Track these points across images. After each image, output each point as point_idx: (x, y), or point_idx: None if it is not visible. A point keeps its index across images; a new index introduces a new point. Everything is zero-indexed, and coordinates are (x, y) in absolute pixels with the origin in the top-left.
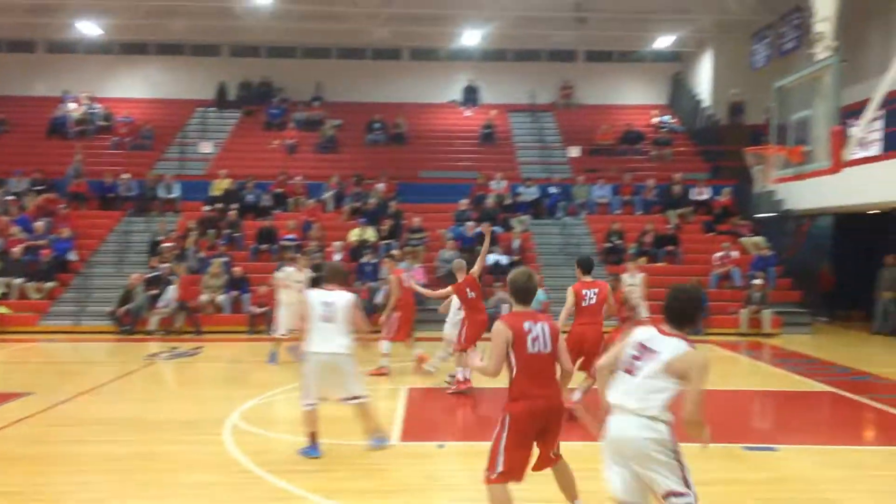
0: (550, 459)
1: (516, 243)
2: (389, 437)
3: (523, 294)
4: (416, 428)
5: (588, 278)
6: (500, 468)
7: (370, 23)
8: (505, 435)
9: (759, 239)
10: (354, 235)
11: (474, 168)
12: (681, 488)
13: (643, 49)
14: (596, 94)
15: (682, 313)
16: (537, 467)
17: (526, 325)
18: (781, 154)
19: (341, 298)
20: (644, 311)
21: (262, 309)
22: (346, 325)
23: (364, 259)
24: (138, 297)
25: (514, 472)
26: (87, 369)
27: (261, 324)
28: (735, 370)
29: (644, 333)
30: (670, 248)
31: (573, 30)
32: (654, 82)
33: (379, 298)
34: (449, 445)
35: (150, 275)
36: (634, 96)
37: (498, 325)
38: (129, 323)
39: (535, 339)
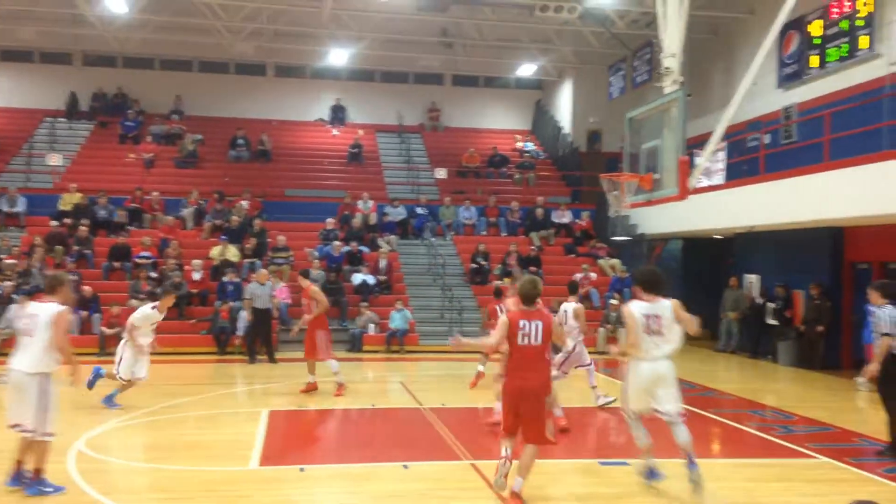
0: (525, 436)
1: (383, 263)
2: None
3: (526, 297)
4: (277, 452)
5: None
6: (502, 426)
7: (233, 37)
8: (500, 403)
9: (615, 261)
10: (215, 254)
11: (341, 187)
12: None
13: (507, 76)
14: (462, 118)
15: (658, 283)
16: (522, 439)
17: (521, 322)
18: (634, 181)
19: (45, 311)
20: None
21: (114, 330)
22: (44, 341)
23: (226, 278)
24: None
25: (508, 430)
26: None
27: (112, 345)
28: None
29: (644, 307)
30: (533, 268)
31: (440, 54)
32: (518, 108)
33: (240, 319)
34: (310, 469)
35: None
36: (499, 121)
37: (503, 317)
38: None
39: (525, 335)
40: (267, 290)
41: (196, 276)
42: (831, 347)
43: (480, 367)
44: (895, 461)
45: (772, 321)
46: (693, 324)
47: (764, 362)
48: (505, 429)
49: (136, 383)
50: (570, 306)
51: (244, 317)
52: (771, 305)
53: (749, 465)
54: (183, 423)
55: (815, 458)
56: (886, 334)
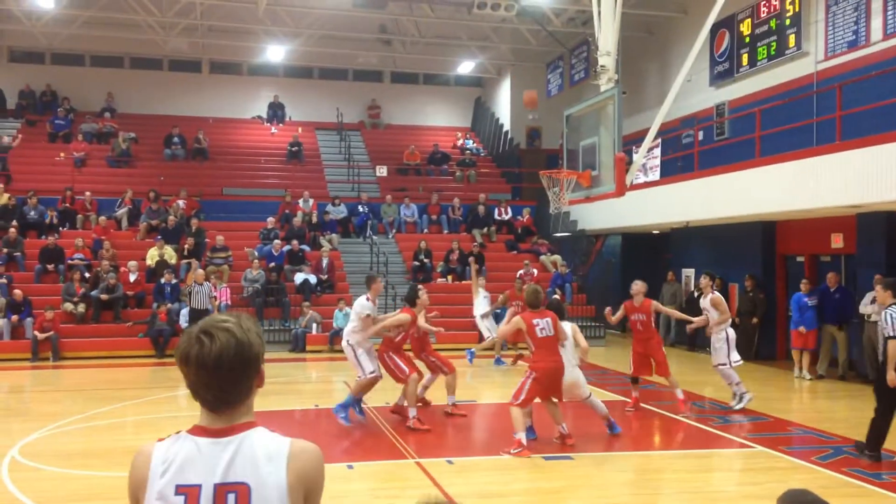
0: (550, 400)
1: (325, 262)
2: None
3: (532, 303)
4: None
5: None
6: (521, 398)
7: (166, 33)
8: (529, 382)
9: (556, 257)
10: (152, 255)
11: (281, 186)
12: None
13: (447, 73)
14: (403, 115)
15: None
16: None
17: (535, 321)
18: (572, 177)
19: None
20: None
21: (47, 334)
22: None
23: (163, 280)
24: None
25: (527, 403)
26: None
27: (46, 350)
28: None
29: (541, 321)
30: (476, 265)
31: (379, 51)
32: (459, 106)
33: (182, 320)
34: None
35: None
36: (440, 118)
37: (518, 318)
38: None
39: (541, 329)
40: (205, 290)
41: (132, 277)
42: (765, 338)
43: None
44: (863, 459)
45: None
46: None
47: (702, 354)
48: (524, 402)
49: None
50: None
51: (186, 315)
52: None
53: (688, 455)
54: (121, 429)
55: (751, 447)
56: (892, 337)
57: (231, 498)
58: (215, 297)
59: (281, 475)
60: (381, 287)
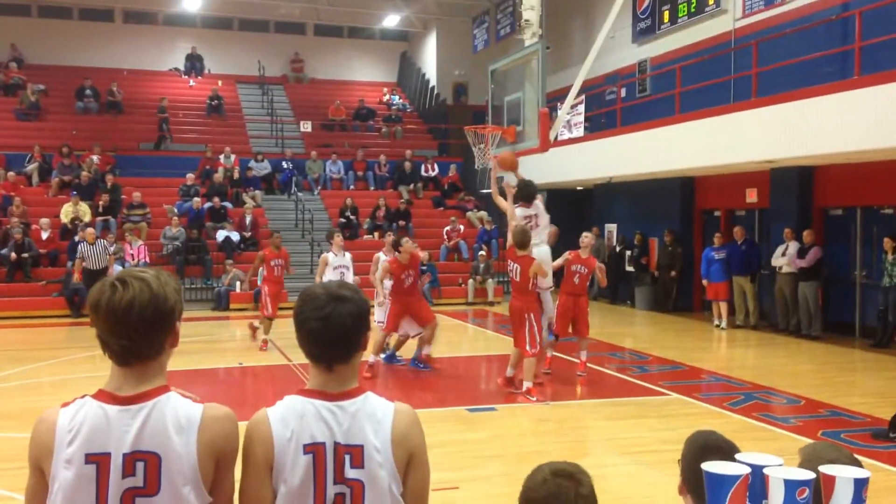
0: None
1: (248, 219)
2: None
3: (517, 244)
4: None
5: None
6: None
7: None
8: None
9: (482, 213)
10: (65, 212)
11: (201, 141)
12: None
13: (372, 26)
14: (327, 70)
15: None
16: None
17: (509, 263)
18: (497, 133)
19: None
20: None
21: None
22: None
23: (77, 237)
24: None
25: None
26: None
27: None
28: (462, 338)
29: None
30: (402, 222)
31: (301, 2)
32: (385, 60)
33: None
34: None
35: None
36: (365, 73)
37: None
38: None
39: (510, 271)
40: (98, 249)
41: (44, 235)
42: (683, 291)
43: None
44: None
45: (630, 268)
46: None
47: (623, 307)
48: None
49: None
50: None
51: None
52: (629, 253)
53: (607, 404)
54: (36, 389)
55: (666, 394)
56: None
57: (140, 467)
58: (116, 255)
59: (191, 445)
60: (341, 240)
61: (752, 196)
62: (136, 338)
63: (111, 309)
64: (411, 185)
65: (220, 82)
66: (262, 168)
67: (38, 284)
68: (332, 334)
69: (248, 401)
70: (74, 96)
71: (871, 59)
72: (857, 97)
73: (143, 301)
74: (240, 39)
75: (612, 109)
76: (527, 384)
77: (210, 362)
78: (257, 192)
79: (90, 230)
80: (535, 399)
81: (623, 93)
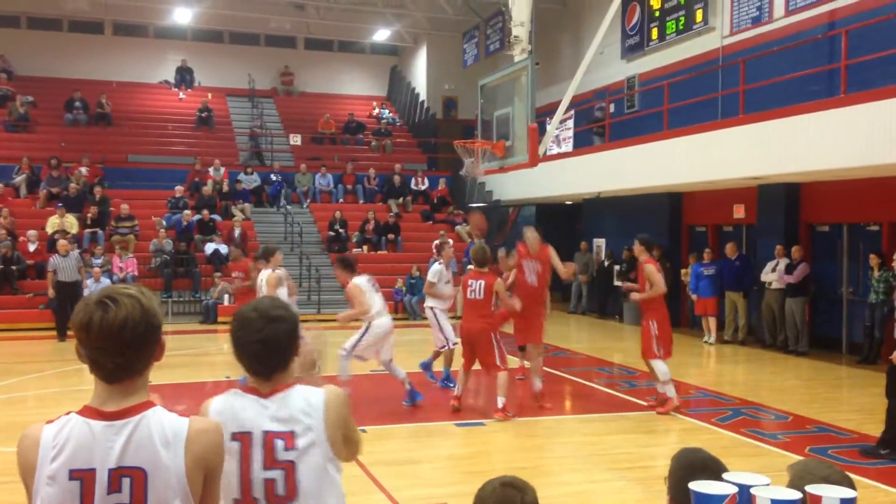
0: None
1: (237, 232)
2: None
3: (477, 262)
4: None
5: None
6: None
7: None
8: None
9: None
10: (53, 223)
11: (190, 153)
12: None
13: (362, 40)
14: (317, 83)
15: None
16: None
17: (470, 281)
18: (487, 147)
19: None
20: None
21: None
22: None
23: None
24: None
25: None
26: None
27: None
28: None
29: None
30: (391, 235)
31: (292, 16)
32: (374, 74)
33: (86, 291)
34: None
35: None
36: (355, 87)
37: (464, 277)
38: None
39: (472, 290)
40: (71, 261)
41: (31, 247)
42: (671, 306)
43: None
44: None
45: (618, 283)
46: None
47: (612, 322)
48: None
49: None
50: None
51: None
52: (617, 268)
53: (595, 419)
54: (22, 403)
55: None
56: None
57: (126, 483)
58: (103, 268)
59: (179, 459)
60: (280, 258)
61: (739, 212)
62: (130, 355)
63: (105, 328)
64: (400, 199)
65: (209, 95)
66: (251, 181)
67: (24, 297)
68: (271, 353)
69: None
70: (63, 108)
71: (857, 78)
72: (844, 115)
73: (136, 318)
74: (230, 52)
75: (600, 125)
76: (501, 400)
77: (198, 376)
78: (246, 204)
79: (62, 242)
80: (511, 415)
81: (612, 108)
